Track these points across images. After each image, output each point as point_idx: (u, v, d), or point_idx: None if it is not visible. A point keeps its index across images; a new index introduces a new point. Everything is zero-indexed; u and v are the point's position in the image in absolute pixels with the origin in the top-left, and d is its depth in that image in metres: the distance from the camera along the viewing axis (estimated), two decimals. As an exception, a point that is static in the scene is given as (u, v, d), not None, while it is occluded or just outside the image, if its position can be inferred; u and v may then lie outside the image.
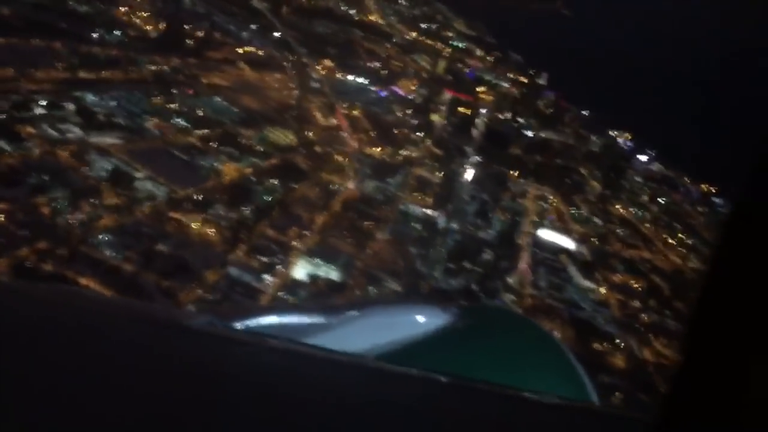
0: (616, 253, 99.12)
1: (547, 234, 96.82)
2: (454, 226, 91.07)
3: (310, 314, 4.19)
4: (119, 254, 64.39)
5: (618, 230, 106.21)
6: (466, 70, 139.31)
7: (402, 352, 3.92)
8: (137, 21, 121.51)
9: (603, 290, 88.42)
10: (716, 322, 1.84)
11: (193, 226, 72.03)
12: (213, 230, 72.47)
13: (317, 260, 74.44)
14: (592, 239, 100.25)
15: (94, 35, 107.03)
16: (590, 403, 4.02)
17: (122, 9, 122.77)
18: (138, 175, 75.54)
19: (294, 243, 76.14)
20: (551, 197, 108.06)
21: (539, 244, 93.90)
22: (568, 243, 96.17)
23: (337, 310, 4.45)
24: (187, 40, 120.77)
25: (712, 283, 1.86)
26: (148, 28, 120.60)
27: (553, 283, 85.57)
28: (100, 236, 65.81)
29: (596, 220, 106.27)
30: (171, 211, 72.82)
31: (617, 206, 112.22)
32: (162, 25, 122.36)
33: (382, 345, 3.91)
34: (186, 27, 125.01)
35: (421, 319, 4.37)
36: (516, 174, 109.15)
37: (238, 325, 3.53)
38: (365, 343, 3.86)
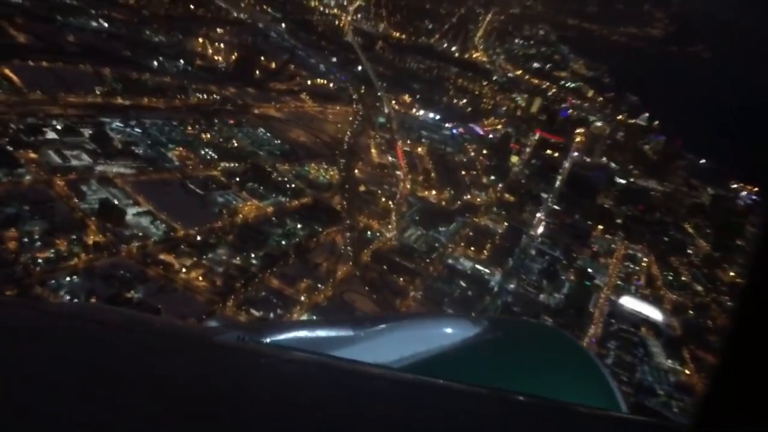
0: (717, 327, 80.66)
1: (629, 302, 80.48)
2: (511, 286, 77.07)
3: (339, 328, 4.19)
4: (79, 299, 55.82)
5: (726, 300, 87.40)
6: (561, 110, 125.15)
7: (430, 363, 4.06)
8: (210, 51, 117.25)
9: (687, 372, 71.19)
10: (753, 332, 1.99)
11: (183, 270, 62.72)
12: (201, 277, 62.73)
13: (322, 317, 63.14)
14: (687, 310, 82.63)
15: (155, 63, 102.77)
16: (620, 412, 4.14)
17: (199, 40, 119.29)
18: (133, 210, 67.49)
19: (301, 297, 65.24)
20: (643, 257, 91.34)
21: (617, 314, 77.93)
22: (654, 313, 79.37)
23: (365, 322, 4.42)
24: (256, 72, 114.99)
25: (750, 295, 2.03)
26: (218, 58, 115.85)
27: (624, 361, 69.55)
28: (66, 278, 57.61)
29: (697, 286, 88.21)
30: (162, 253, 63.97)
31: (729, 272, 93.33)
32: (234, 56, 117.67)
33: (410, 356, 4.04)
34: (262, 59, 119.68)
35: (449, 330, 4.53)
36: (601, 228, 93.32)
37: (268, 340, 3.61)
38: (393, 354, 3.98)
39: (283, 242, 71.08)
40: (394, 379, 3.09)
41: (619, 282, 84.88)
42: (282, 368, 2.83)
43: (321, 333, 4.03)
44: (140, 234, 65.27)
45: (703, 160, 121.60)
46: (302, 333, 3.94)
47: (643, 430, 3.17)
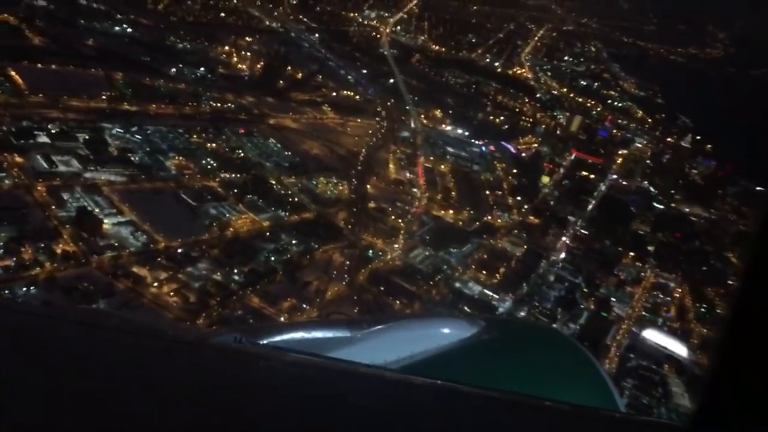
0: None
1: (653, 335, 72.58)
2: (521, 314, 70.36)
3: (335, 329, 4.15)
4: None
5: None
6: (599, 129, 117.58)
7: (427, 363, 4.04)
8: (234, 59, 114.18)
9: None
10: (750, 332, 2.03)
11: (155, 285, 58.26)
12: (173, 292, 58.10)
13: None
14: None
15: (173, 70, 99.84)
16: (617, 412, 4.13)
17: (226, 48, 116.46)
18: (114, 219, 63.53)
19: (281, 318, 60.00)
20: (675, 287, 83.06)
21: (638, 348, 70.30)
22: (679, 348, 71.25)
23: (362, 323, 4.32)
24: (280, 81, 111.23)
25: (746, 295, 2.08)
26: (242, 67, 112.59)
27: (639, 403, 61.92)
28: (23, 288, 53.67)
29: (734, 321, 79.37)
30: (135, 265, 59.67)
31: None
32: (259, 66, 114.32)
33: (407, 357, 4.02)
34: (288, 68, 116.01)
35: (446, 331, 4.51)
36: (632, 255, 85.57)
37: (265, 342, 3.53)
38: (390, 355, 3.97)
39: (273, 258, 66.11)
40: (391, 380, 3.06)
41: (644, 313, 77.10)
42: (279, 370, 2.77)
43: (318, 334, 3.95)
44: (116, 244, 61.16)
45: (759, 187, 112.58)
46: (299, 334, 3.85)
47: (642, 429, 3.00)
